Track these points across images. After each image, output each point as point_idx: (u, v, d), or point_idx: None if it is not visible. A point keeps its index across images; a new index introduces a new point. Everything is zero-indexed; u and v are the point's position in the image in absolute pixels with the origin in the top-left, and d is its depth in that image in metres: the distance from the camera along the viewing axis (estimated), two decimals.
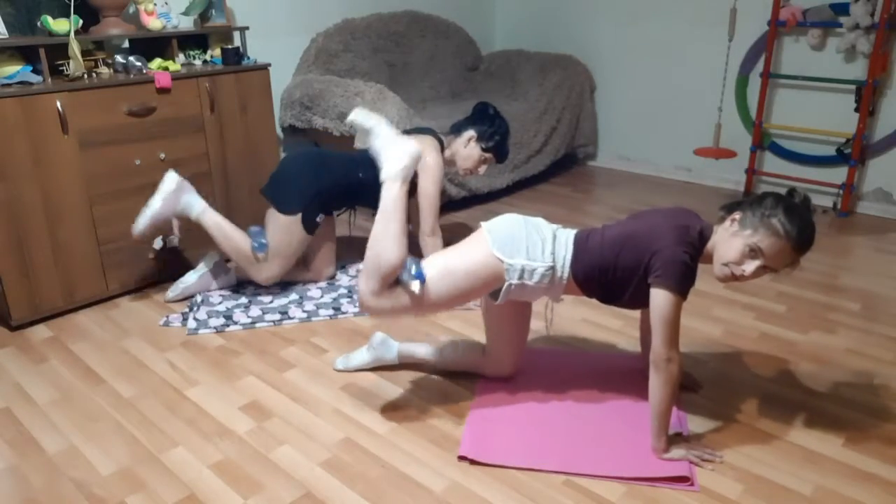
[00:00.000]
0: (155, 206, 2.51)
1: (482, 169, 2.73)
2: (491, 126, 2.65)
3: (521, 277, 1.78)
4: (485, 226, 1.87)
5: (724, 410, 1.97)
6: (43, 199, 2.43)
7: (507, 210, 3.63)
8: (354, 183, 2.64)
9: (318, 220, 2.62)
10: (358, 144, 3.04)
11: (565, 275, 1.80)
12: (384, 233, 1.79)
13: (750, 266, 1.65)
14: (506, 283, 1.79)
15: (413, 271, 1.75)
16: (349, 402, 2.03)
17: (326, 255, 2.78)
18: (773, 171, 3.95)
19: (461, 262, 1.80)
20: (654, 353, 1.68)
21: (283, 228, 2.56)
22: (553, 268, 1.79)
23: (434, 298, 1.79)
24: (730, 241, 1.67)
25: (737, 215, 1.69)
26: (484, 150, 2.66)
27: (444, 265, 1.80)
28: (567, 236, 1.85)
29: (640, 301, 1.78)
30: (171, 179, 2.54)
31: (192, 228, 2.87)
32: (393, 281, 1.78)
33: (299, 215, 2.56)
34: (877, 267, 3.00)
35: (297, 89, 3.50)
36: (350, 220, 3.09)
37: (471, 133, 2.66)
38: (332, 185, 2.60)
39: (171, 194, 2.53)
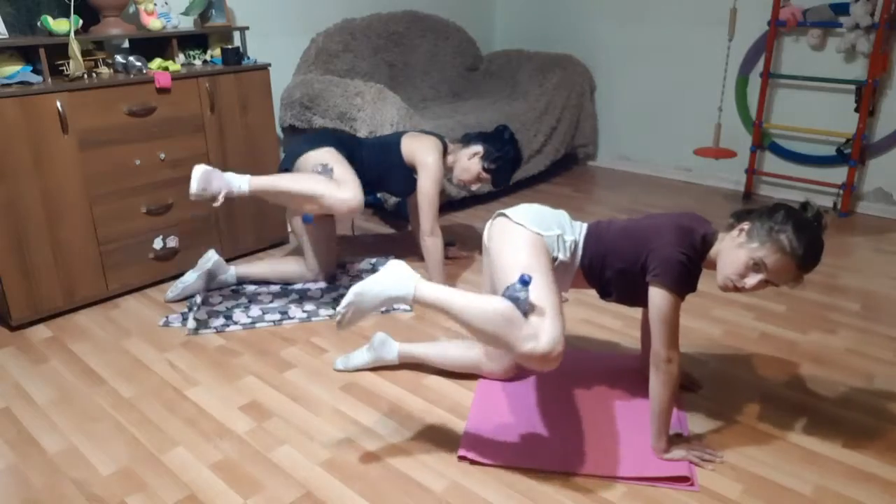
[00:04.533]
0: (190, 280, 2.69)
1: (476, 186, 2.71)
2: (500, 149, 2.63)
3: (557, 249, 1.80)
4: (509, 213, 1.85)
5: (724, 410, 1.97)
6: (43, 199, 2.43)
7: None
8: (356, 162, 2.63)
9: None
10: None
11: (579, 253, 1.84)
12: (470, 305, 1.58)
13: (752, 279, 1.62)
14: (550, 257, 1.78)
15: (519, 286, 1.58)
16: (349, 402, 2.03)
17: (326, 255, 2.78)
18: (773, 171, 3.95)
19: (524, 255, 1.71)
20: (653, 353, 1.68)
21: (327, 158, 2.45)
22: (576, 243, 1.83)
23: (549, 292, 1.64)
24: (734, 251, 1.64)
25: (745, 226, 1.65)
26: (484, 169, 2.65)
27: (520, 267, 1.68)
28: (581, 222, 1.91)
29: (633, 297, 1.79)
30: (211, 253, 2.72)
31: (191, 227, 2.88)
32: (522, 318, 1.58)
33: (332, 147, 2.51)
34: (877, 267, 3.00)
35: (297, 89, 3.50)
36: (352, 220, 3.09)
37: (478, 148, 2.65)
38: (345, 153, 2.57)
39: (209, 272, 2.69)
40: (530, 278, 1.60)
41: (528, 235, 1.77)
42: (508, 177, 2.70)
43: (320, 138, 2.57)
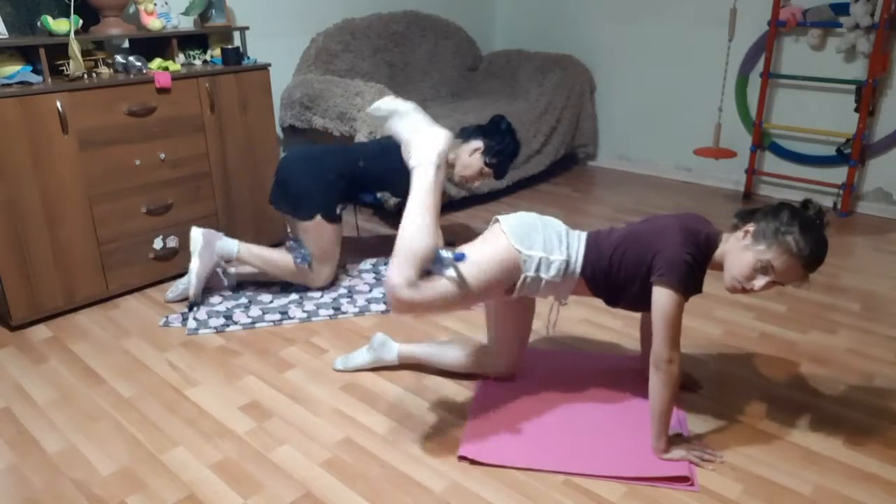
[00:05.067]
0: (195, 267, 2.56)
1: (479, 182, 2.72)
2: (500, 143, 2.63)
3: (537, 270, 1.78)
4: (501, 219, 1.85)
5: (724, 410, 1.97)
6: (43, 199, 2.43)
7: (507, 210, 3.64)
8: (357, 173, 2.64)
9: (338, 210, 2.63)
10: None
11: (577, 270, 1.81)
12: (419, 221, 1.68)
13: (760, 281, 1.63)
14: (522, 275, 1.78)
15: (452, 256, 1.69)
16: (349, 402, 2.03)
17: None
18: (773, 171, 3.95)
19: (485, 253, 1.76)
20: (654, 353, 1.68)
21: (312, 233, 2.59)
22: (568, 262, 1.79)
23: (466, 288, 1.70)
24: (741, 254, 1.64)
25: (750, 227, 1.65)
26: (486, 164, 2.65)
27: (470, 255, 1.75)
28: (579, 233, 1.87)
29: (642, 302, 1.78)
30: (196, 234, 2.58)
31: (191, 227, 2.89)
32: (425, 273, 1.68)
33: (319, 216, 2.57)
34: (877, 267, 3.00)
35: (297, 89, 3.50)
36: (355, 220, 3.09)
37: (478, 144, 2.64)
38: (336, 177, 2.60)
39: (204, 248, 2.57)
40: (463, 258, 1.69)
41: (504, 247, 1.77)
42: (507, 168, 2.71)
43: (320, 177, 2.58)
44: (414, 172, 1.76)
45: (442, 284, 1.68)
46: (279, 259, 2.63)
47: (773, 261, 1.60)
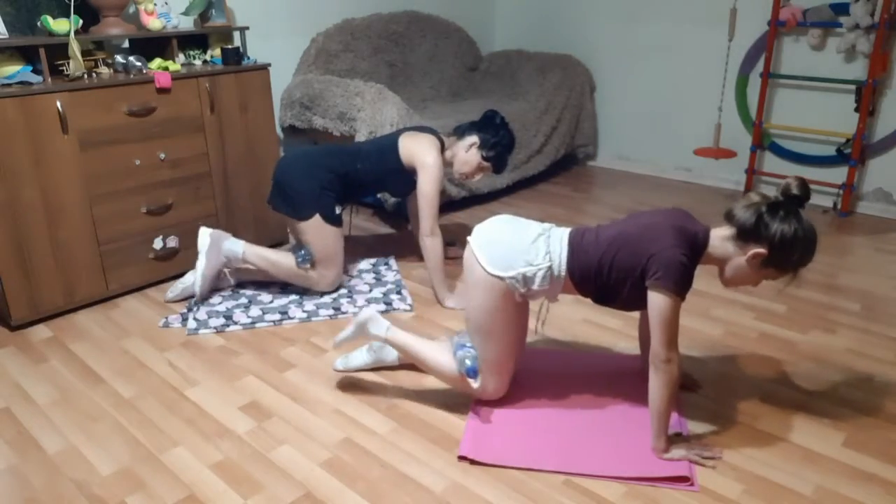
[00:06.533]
0: (202, 267, 2.58)
1: (478, 176, 2.72)
2: (495, 136, 2.63)
3: (525, 285, 1.79)
4: (471, 242, 1.88)
5: (724, 410, 1.97)
6: (43, 199, 2.43)
7: (507, 210, 3.64)
8: (353, 174, 2.64)
9: (337, 211, 2.63)
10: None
11: (562, 272, 1.80)
12: (429, 365, 1.95)
13: (760, 284, 1.77)
14: (515, 294, 1.81)
15: (465, 369, 1.86)
16: (349, 402, 2.03)
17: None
18: (773, 171, 3.95)
19: (481, 313, 1.84)
20: (653, 354, 1.68)
21: (313, 233, 2.59)
22: (551, 267, 1.79)
23: (498, 358, 1.88)
24: (751, 272, 1.71)
25: (759, 251, 1.65)
26: (484, 158, 2.65)
27: (475, 331, 1.87)
28: (561, 234, 1.85)
29: (634, 303, 1.78)
30: (204, 234, 2.60)
31: (191, 227, 2.88)
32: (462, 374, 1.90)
33: (317, 216, 2.57)
34: (877, 267, 3.00)
35: (297, 89, 3.50)
36: (349, 219, 3.09)
37: (473, 139, 2.65)
38: (333, 178, 2.61)
39: (211, 248, 2.59)
40: (475, 373, 1.86)
41: (488, 284, 1.81)
42: (506, 161, 2.71)
43: (317, 178, 2.58)
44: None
45: (485, 379, 1.91)
46: (282, 260, 2.64)
47: (783, 281, 1.73)
